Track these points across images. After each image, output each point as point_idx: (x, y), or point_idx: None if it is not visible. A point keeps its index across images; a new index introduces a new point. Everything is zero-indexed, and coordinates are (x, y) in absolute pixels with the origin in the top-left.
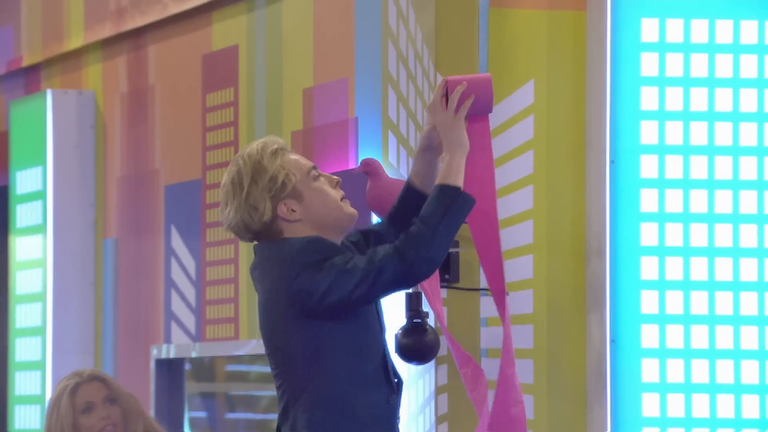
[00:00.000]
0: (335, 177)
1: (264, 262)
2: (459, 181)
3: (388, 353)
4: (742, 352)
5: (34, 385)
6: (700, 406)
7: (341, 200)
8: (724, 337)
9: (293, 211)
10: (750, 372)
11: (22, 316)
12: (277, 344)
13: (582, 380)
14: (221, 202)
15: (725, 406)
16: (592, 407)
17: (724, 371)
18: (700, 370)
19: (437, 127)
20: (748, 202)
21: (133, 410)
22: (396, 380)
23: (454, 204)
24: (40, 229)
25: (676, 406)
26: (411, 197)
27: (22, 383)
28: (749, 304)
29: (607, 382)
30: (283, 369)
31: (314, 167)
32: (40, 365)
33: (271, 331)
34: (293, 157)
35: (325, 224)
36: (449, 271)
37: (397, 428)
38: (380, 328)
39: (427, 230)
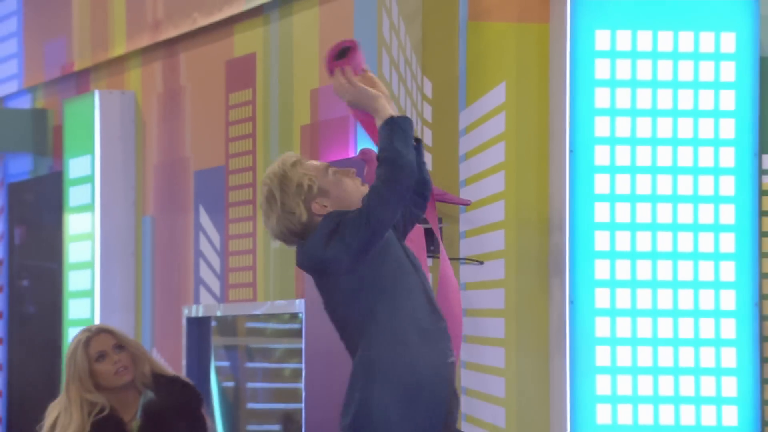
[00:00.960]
0: (350, 169)
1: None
2: (388, 113)
3: (429, 287)
4: (680, 311)
5: None
6: (645, 357)
7: (361, 185)
8: (665, 299)
9: (324, 206)
10: (686, 327)
11: (74, 281)
12: (334, 308)
13: (545, 336)
14: (264, 220)
15: (665, 357)
16: (554, 358)
17: (665, 327)
18: (644, 327)
19: (352, 103)
20: (685, 185)
21: (139, 354)
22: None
23: (396, 127)
24: (88, 207)
25: (624, 357)
26: None
27: None
28: (686, 271)
29: (566, 337)
30: (346, 325)
31: (329, 165)
32: (89, 322)
33: (333, 303)
34: (310, 162)
35: (352, 208)
36: (433, 243)
37: (449, 348)
38: (413, 267)
39: (388, 154)
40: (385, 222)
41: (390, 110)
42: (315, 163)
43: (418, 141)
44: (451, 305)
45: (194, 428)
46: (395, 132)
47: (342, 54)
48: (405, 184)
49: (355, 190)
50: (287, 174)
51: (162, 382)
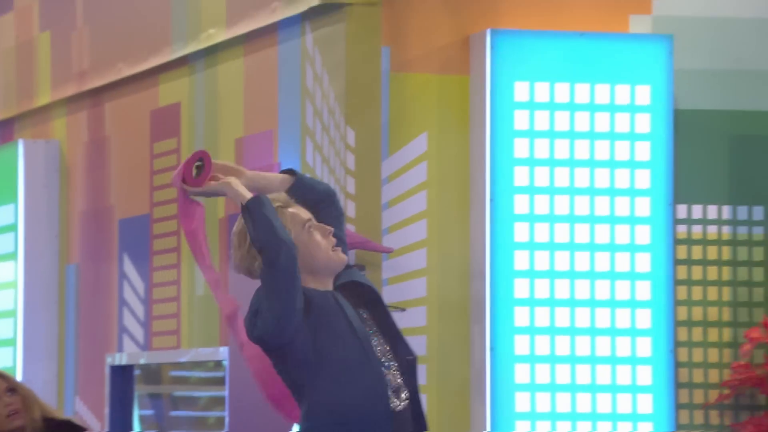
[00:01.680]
0: (328, 227)
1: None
2: (239, 198)
3: (370, 346)
4: (597, 358)
5: None
6: (563, 402)
7: (332, 248)
8: (583, 346)
9: None
10: (604, 373)
11: None
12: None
13: (466, 381)
14: (231, 249)
15: (584, 403)
16: (474, 404)
17: (583, 374)
18: (563, 373)
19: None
20: (602, 233)
21: (31, 398)
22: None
23: (247, 214)
24: (12, 256)
25: (543, 402)
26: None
27: None
28: (603, 318)
29: (486, 383)
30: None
31: (309, 219)
32: (11, 371)
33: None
34: (291, 211)
35: (316, 269)
36: None
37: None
38: (356, 336)
39: (255, 245)
40: (284, 304)
41: (240, 193)
42: (297, 213)
43: (293, 172)
44: None
45: None
46: (248, 220)
47: (198, 167)
48: (281, 263)
49: (323, 250)
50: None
51: (53, 425)
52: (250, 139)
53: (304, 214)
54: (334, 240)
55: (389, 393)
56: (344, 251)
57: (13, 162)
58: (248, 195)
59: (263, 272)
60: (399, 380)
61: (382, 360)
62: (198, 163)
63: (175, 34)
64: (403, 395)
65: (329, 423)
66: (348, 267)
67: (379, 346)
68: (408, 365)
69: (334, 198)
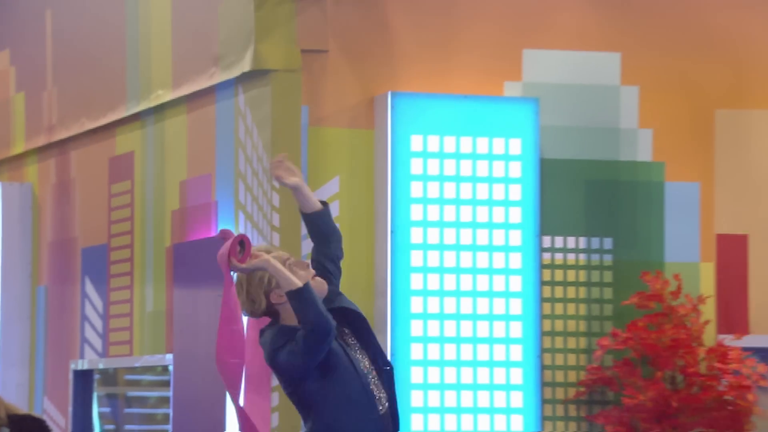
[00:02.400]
0: (305, 261)
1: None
2: (292, 285)
3: (368, 385)
4: (479, 362)
5: None
6: (450, 399)
7: (312, 278)
8: (467, 352)
9: (281, 296)
10: (484, 374)
11: None
12: (285, 389)
13: None
14: (236, 292)
15: (467, 399)
16: None
17: (467, 375)
18: (450, 374)
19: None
20: (483, 259)
21: None
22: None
23: (300, 298)
24: None
25: (434, 399)
26: (308, 220)
27: None
28: (483, 328)
29: None
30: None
31: (288, 258)
32: None
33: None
34: (274, 255)
35: None
36: None
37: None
38: (356, 372)
39: (305, 326)
40: (313, 357)
41: (292, 281)
42: (278, 255)
43: (325, 204)
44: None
45: None
46: (300, 303)
47: (241, 246)
48: (322, 337)
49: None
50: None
51: (15, 420)
52: (192, 181)
53: (284, 254)
54: (313, 271)
55: (377, 405)
56: (333, 282)
57: None
58: (297, 281)
59: (308, 337)
60: (381, 389)
61: (366, 373)
62: (239, 246)
63: (129, 95)
64: (383, 401)
65: None
66: (339, 294)
67: (362, 360)
68: (387, 374)
69: (341, 239)
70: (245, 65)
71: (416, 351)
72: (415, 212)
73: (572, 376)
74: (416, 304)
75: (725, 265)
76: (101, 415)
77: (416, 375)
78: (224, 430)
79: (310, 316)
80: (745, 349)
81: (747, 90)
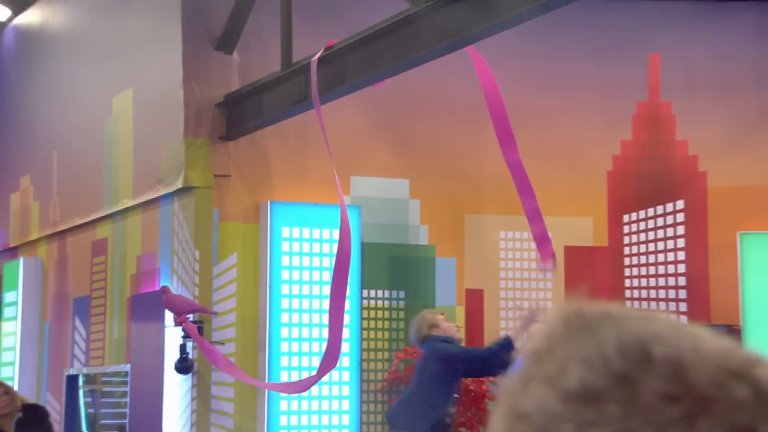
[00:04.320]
0: (443, 314)
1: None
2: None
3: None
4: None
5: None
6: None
7: (454, 325)
8: (316, 362)
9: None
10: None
11: (5, 357)
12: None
13: (255, 375)
14: (412, 329)
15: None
16: (259, 393)
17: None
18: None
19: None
20: (326, 303)
21: (14, 395)
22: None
23: (504, 348)
24: (15, 317)
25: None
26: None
27: None
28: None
29: (266, 377)
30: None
31: (443, 316)
32: (11, 380)
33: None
34: (436, 315)
35: (447, 334)
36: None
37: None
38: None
39: (490, 353)
40: (479, 370)
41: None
42: (439, 315)
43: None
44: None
45: (46, 429)
46: (507, 349)
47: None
48: (494, 369)
49: (448, 327)
50: (433, 319)
51: (27, 407)
52: (144, 257)
53: (441, 315)
54: (452, 322)
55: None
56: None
57: (17, 269)
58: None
59: (487, 363)
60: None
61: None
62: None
63: (105, 202)
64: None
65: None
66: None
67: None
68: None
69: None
70: (179, 184)
71: (284, 362)
72: (285, 274)
73: (380, 376)
74: (285, 332)
75: (470, 308)
76: (86, 404)
77: (284, 374)
78: (161, 412)
79: (505, 360)
80: None
81: (483, 202)
